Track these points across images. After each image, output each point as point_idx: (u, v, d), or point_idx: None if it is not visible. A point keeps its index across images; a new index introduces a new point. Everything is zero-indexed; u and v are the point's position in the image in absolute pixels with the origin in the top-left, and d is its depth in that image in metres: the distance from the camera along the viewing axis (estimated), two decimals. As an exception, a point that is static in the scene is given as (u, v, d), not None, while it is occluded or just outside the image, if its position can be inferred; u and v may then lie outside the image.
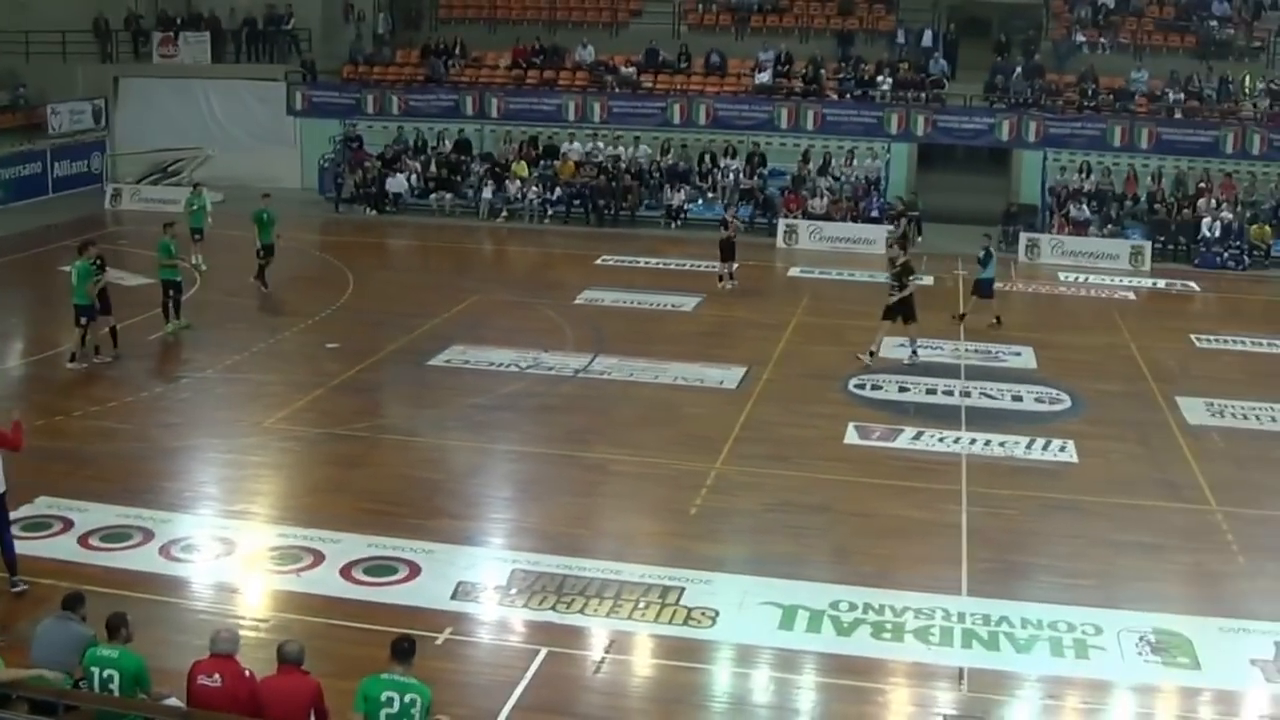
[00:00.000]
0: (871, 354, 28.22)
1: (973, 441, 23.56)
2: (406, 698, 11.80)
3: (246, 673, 12.40)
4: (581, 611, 17.03)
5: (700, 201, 43.77)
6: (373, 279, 35.58)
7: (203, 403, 25.71)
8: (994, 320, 31.93)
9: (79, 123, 49.05)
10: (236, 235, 36.05)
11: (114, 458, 22.57)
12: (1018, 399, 26.28)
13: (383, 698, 11.73)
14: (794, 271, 37.70)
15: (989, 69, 45.70)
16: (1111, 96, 43.94)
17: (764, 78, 45.94)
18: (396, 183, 45.40)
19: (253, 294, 32.99)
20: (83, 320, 27.17)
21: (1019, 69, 45.20)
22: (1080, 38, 47.12)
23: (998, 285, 33.13)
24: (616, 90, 46.76)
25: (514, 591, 17.62)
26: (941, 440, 23.68)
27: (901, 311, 28.48)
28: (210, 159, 47.54)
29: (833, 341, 29.90)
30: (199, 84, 50.03)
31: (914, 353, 28.56)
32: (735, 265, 35.52)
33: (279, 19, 50.78)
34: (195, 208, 35.88)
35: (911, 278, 28.74)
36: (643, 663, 16.18)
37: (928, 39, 47.17)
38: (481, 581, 17.93)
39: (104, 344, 27.89)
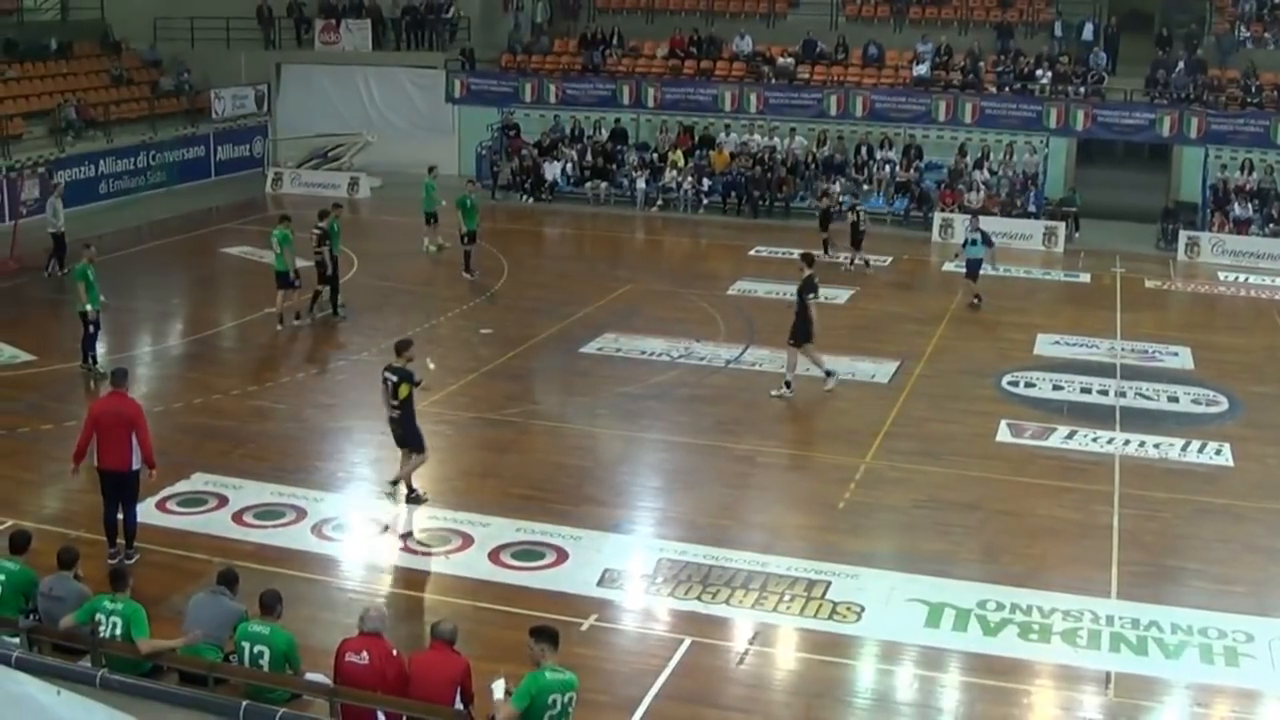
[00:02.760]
0: (788, 384, 25.73)
1: (1126, 442, 23.23)
2: (565, 697, 11.85)
3: (394, 652, 12.55)
4: (726, 602, 17.07)
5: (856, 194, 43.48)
6: (527, 266, 35.86)
7: (358, 385, 26.06)
8: (974, 299, 32.05)
9: (242, 108, 49.94)
10: (395, 221, 36.55)
11: (270, 437, 23.02)
12: (1174, 400, 25.85)
13: (549, 700, 11.72)
14: (949, 266, 37.34)
15: (1150, 63, 44.87)
16: (1276, 93, 42.94)
17: (922, 70, 45.57)
18: (552, 170, 45.68)
19: (409, 279, 33.35)
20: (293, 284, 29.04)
21: (1181, 64, 44.36)
22: (1244, 32, 46.14)
23: (1159, 285, 32.57)
24: (773, 81, 46.63)
25: (660, 580, 17.70)
26: (1095, 440, 23.36)
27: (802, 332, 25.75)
28: (369, 145, 48.13)
29: (987, 337, 29.66)
30: (359, 71, 50.73)
31: (787, 384, 25.61)
32: (863, 253, 36.16)
33: (439, 7, 51.26)
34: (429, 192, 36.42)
35: (810, 296, 25.76)
36: (786, 656, 16.19)
37: (1088, 32, 46.42)
38: (628, 569, 18.05)
39: (301, 309, 29.36)
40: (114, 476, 17.57)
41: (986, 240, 32.24)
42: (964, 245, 32.64)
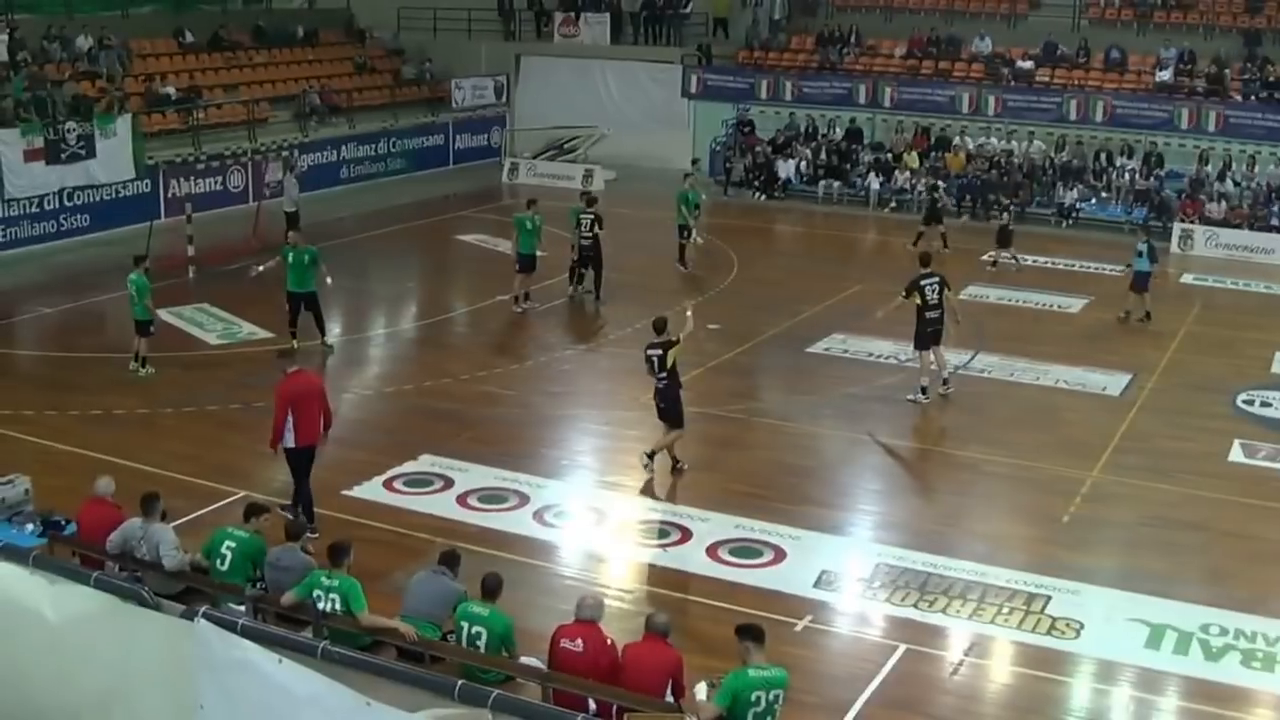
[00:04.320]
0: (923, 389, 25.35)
1: (1366, 468, 22.50)
2: (771, 694, 11.81)
3: (609, 641, 12.67)
4: (944, 611, 16.92)
5: (1094, 201, 42.70)
6: (757, 263, 35.87)
7: (584, 374, 26.40)
8: (1144, 315, 30.98)
9: (481, 98, 50.79)
10: (628, 214, 36.82)
11: (496, 422, 23.39)
12: None
13: (753, 698, 11.70)
14: (1187, 278, 36.51)
15: (1407, 73, 43.38)
16: None
17: (1165, 76, 44.52)
18: (786, 168, 45.62)
19: (640, 271, 33.54)
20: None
21: None
22: None
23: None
24: (1012, 83, 45.95)
25: (877, 585, 17.62)
26: (1333, 464, 22.67)
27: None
28: (605, 138, 48.58)
29: (1223, 353, 28.87)
30: (597, 64, 51.21)
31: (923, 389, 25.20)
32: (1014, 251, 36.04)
33: (678, 2, 51.50)
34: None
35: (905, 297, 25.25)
36: (1001, 669, 16.00)
37: (1340, 39, 45.04)
38: (845, 572, 18.00)
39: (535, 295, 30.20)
40: (310, 451, 18.34)
41: (1153, 255, 31.13)
42: (1138, 255, 31.32)
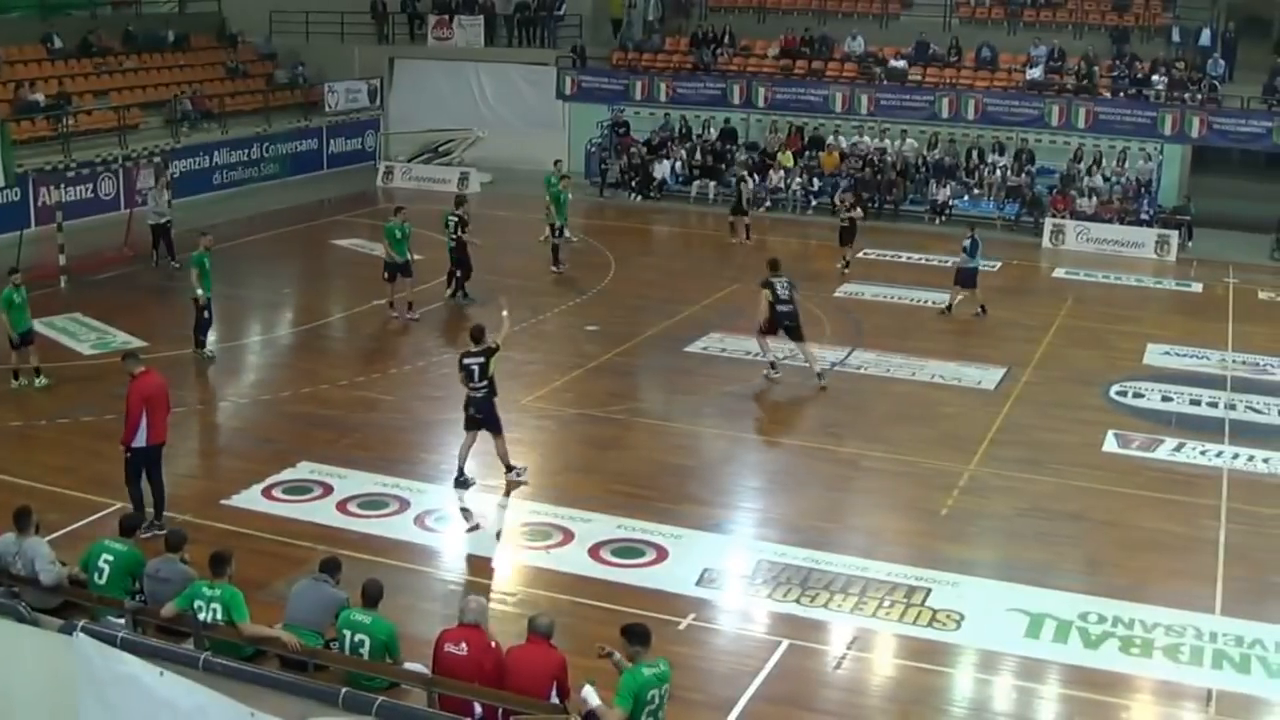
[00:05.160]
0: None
1: (1236, 456, 22.92)
2: (663, 689, 11.91)
3: (493, 644, 12.64)
4: (825, 606, 17.05)
5: (966, 198, 43.21)
6: (634, 264, 35.94)
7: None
8: (978, 310, 31.36)
9: (354, 101, 50.36)
10: (504, 216, 36.77)
11: (374, 427, 23.26)
12: (1286, 414, 25.47)
13: (648, 696, 11.77)
14: (1059, 272, 37.05)
15: (1269, 70, 44.15)
16: (1400, 103, 42.23)
17: (1035, 73, 45.11)
18: (661, 169, 45.72)
19: (516, 274, 33.47)
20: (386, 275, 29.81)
21: (1301, 71, 43.66)
22: (1368, 40, 45.36)
23: (1273, 296, 32.04)
24: (885, 82, 46.36)
25: (759, 581, 17.72)
26: (1203, 453, 23.07)
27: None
28: (480, 141, 48.44)
29: (1096, 346, 29.33)
30: (471, 67, 51.11)
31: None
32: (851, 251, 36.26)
33: (551, 4, 51.49)
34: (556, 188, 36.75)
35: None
36: (884, 662, 16.15)
37: (1205, 38, 45.66)
38: (727, 569, 18.09)
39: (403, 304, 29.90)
40: (158, 450, 18.50)
41: (975, 249, 31.37)
42: (965, 252, 31.49)
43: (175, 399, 22.06)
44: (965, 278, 31.41)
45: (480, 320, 27.59)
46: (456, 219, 30.77)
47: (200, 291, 26.14)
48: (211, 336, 26.79)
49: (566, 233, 34.83)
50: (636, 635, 12.21)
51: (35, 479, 19.88)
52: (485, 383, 20.29)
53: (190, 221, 33.59)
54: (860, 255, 37.14)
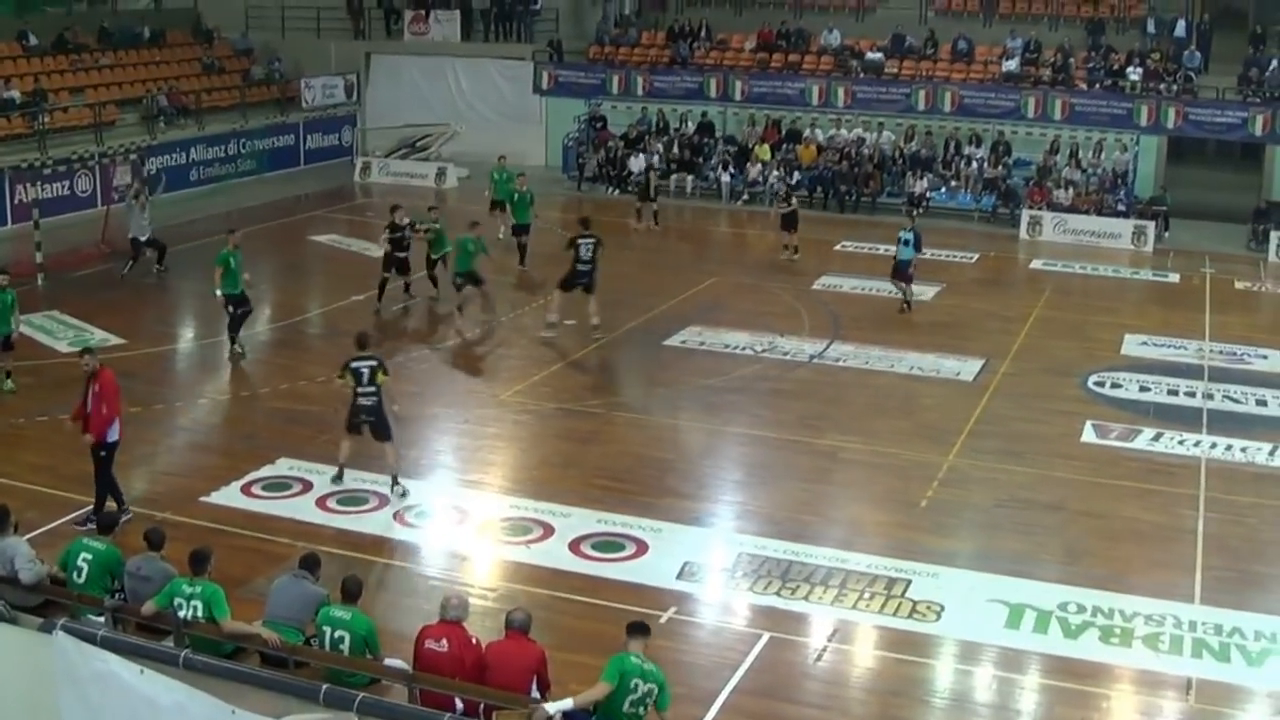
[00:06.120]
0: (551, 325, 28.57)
1: (1213, 445, 23.00)
2: (646, 686, 11.98)
3: (473, 640, 12.64)
4: (806, 598, 17.09)
5: (944, 190, 43.24)
6: (612, 258, 35.78)
7: (442, 374, 26.27)
8: (904, 305, 31.25)
9: (331, 97, 50.29)
10: (481, 211, 36.65)
11: (354, 424, 23.14)
12: (1262, 403, 25.51)
13: (631, 684, 11.89)
14: (1036, 264, 37.13)
15: (1243, 61, 44.28)
16: (1373, 92, 42.35)
17: (1011, 65, 45.23)
18: (638, 163, 45.65)
19: (493, 270, 33.40)
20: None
21: (1275, 62, 43.57)
22: (1344, 30, 45.46)
23: (1249, 286, 32.12)
24: (861, 75, 46.42)
25: (739, 574, 17.74)
26: (1181, 443, 23.13)
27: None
28: (457, 135, 48.38)
29: (1074, 337, 29.39)
30: (448, 61, 50.96)
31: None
32: (796, 237, 36.49)
33: (528, -1, 51.49)
34: (498, 179, 36.70)
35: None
36: (864, 653, 16.19)
37: (1180, 29, 45.81)
38: (707, 563, 18.11)
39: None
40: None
41: (918, 244, 31.18)
42: (902, 244, 31.30)
43: (153, 395, 22.19)
44: (899, 270, 31.23)
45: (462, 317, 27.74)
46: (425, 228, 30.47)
47: (220, 291, 26.05)
48: (189, 334, 26.65)
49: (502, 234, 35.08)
50: (631, 627, 12.48)
51: (13, 477, 19.80)
52: (374, 388, 20.03)
53: (168, 218, 33.44)
54: (838, 248, 37.27)
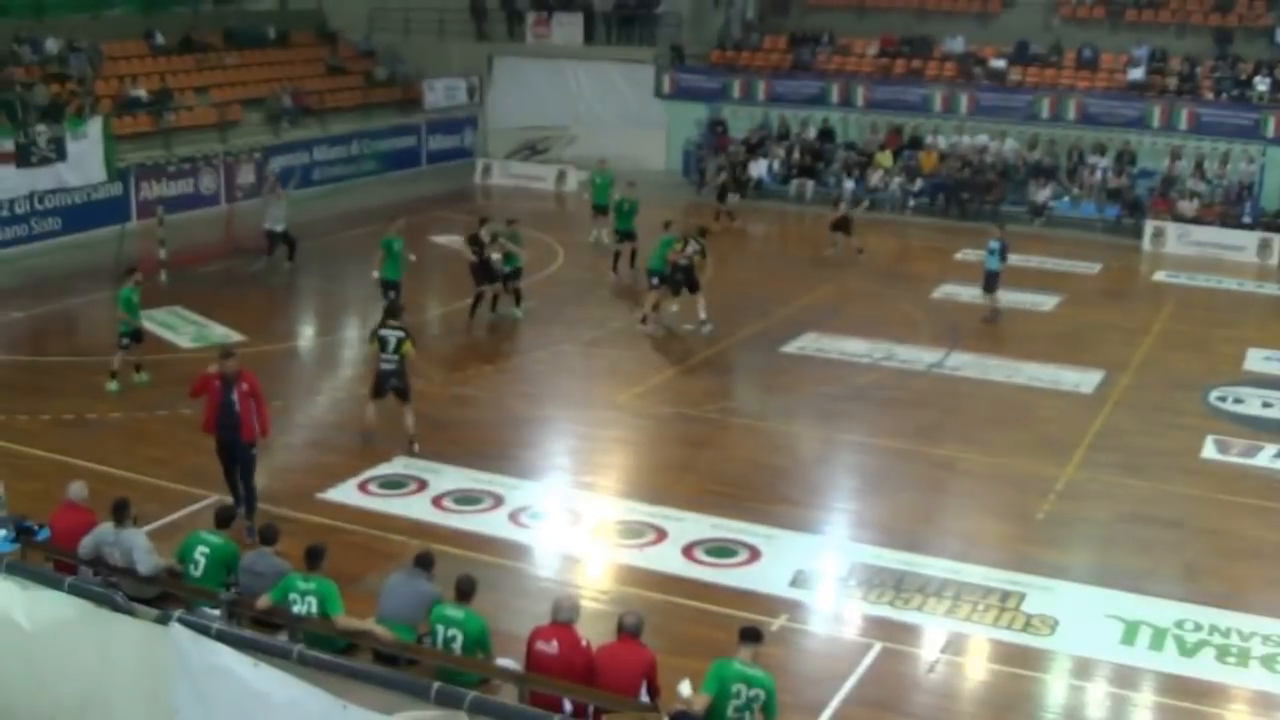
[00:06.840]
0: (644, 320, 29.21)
1: (1338, 463, 22.59)
2: (751, 691, 11.94)
3: (584, 642, 12.68)
4: (919, 609, 16.97)
5: (1066, 199, 42.78)
6: (731, 263, 35.81)
7: (559, 376, 26.36)
8: (991, 314, 31.03)
9: (453, 99, 50.73)
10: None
11: (470, 424, 23.35)
12: (1390, 421, 25.04)
13: (732, 689, 11.88)
14: (1159, 275, 36.66)
15: (1376, 71, 43.51)
16: None
17: (1137, 74, 44.67)
18: (759, 168, 45.62)
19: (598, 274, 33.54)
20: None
21: (1407, 72, 42.92)
22: None
23: None
24: (985, 82, 46.10)
25: (852, 583, 17.66)
26: (1305, 460, 22.75)
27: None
28: (577, 139, 48.58)
29: (1196, 350, 28.99)
30: (569, 65, 51.17)
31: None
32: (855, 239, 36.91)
33: (651, 2, 51.50)
34: (599, 183, 36.91)
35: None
36: (977, 666, 16.04)
37: (1309, 39, 45.17)
38: (820, 571, 18.03)
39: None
40: None
41: (1004, 253, 30.93)
42: (987, 255, 31.23)
43: (273, 393, 22.42)
44: (989, 281, 31.04)
45: (580, 319, 27.82)
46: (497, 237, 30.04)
47: (376, 274, 27.83)
48: (309, 330, 26.95)
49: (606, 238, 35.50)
50: (743, 632, 12.48)
51: (133, 470, 20.15)
52: (397, 356, 21.16)
53: (289, 216, 33.78)
54: (958, 256, 36.95)
